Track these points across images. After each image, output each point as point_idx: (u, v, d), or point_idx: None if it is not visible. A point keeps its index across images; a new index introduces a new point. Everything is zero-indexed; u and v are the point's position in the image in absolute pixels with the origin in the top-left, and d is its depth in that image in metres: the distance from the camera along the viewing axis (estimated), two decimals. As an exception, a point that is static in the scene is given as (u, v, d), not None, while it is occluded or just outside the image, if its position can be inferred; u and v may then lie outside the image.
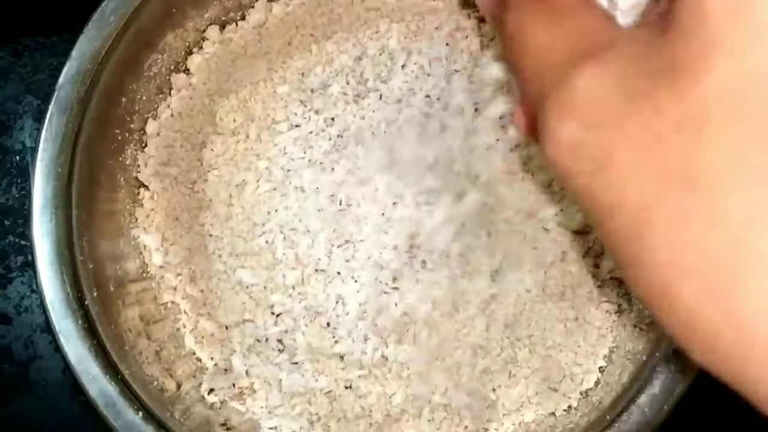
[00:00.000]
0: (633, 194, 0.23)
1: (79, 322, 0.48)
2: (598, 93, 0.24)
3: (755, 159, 0.22)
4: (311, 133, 0.58)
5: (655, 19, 0.26)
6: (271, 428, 0.57)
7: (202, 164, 0.60)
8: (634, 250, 0.24)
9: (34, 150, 0.50)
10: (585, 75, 0.24)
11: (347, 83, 0.60)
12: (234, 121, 0.60)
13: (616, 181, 0.24)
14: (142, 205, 0.60)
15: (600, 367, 0.58)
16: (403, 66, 0.61)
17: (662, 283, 0.24)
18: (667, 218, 0.23)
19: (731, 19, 0.22)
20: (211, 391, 0.57)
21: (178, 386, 0.56)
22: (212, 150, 0.60)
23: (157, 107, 0.61)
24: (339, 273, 0.55)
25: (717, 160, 0.22)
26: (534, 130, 0.27)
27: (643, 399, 0.48)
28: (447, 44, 0.62)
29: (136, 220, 0.60)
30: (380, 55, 0.61)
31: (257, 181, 0.58)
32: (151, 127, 0.60)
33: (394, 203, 0.55)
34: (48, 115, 0.50)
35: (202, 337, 0.59)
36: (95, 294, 0.51)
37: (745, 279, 0.23)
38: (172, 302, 0.60)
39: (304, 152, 0.58)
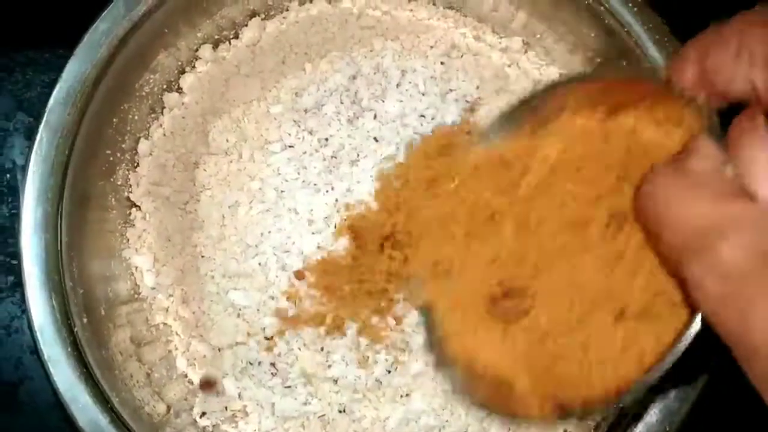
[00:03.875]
0: None
1: (68, 348, 0.48)
2: (740, 257, 0.28)
3: None
4: (305, 153, 0.58)
5: None
6: (263, 452, 0.57)
7: (194, 184, 0.59)
8: None
9: (24, 169, 0.50)
10: (729, 246, 0.28)
11: (341, 103, 0.59)
12: (227, 141, 0.59)
13: (759, 326, 0.27)
14: (134, 225, 0.59)
15: (596, 390, 0.57)
16: (397, 85, 0.61)
17: None
18: None
19: None
20: (203, 414, 0.57)
21: (169, 409, 0.56)
22: (205, 170, 0.59)
23: (150, 127, 0.60)
24: (332, 296, 0.54)
25: None
26: None
27: (639, 428, 0.48)
28: (442, 63, 0.62)
29: (128, 240, 0.59)
30: (375, 74, 0.61)
31: (250, 202, 0.57)
32: (143, 146, 0.60)
33: (389, 225, 0.55)
34: (38, 139, 0.49)
35: (194, 359, 0.59)
36: (85, 318, 0.50)
37: None
38: (164, 324, 0.59)
39: (298, 173, 0.57)
